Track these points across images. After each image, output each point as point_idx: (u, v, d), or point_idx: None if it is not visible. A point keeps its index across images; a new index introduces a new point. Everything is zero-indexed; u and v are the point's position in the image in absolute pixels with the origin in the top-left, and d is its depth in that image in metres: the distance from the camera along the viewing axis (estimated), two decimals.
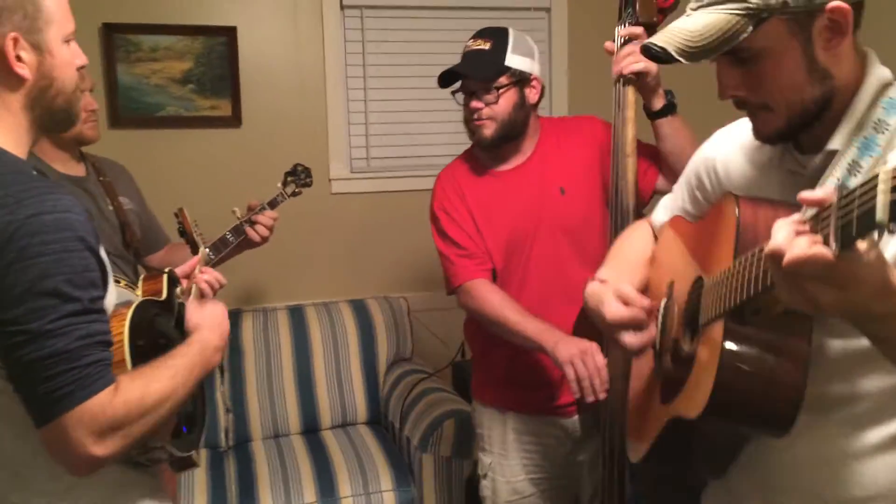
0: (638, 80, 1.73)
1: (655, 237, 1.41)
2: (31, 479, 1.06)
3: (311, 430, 2.86)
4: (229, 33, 2.92)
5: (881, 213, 0.65)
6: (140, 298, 1.24)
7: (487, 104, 1.85)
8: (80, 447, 0.98)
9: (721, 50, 0.94)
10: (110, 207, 2.05)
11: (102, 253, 1.11)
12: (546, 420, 1.97)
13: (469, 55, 1.88)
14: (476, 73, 1.85)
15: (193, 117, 2.94)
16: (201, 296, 1.67)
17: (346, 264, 3.16)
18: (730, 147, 1.18)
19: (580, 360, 1.60)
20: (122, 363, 1.09)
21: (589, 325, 1.72)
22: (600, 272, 1.34)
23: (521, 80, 1.87)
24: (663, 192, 1.90)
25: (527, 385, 1.94)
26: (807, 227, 0.77)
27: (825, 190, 0.74)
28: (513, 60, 1.84)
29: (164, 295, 1.38)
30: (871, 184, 0.67)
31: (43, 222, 0.98)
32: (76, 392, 0.98)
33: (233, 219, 2.21)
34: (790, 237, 0.77)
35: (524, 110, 1.89)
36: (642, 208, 1.83)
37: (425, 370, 2.88)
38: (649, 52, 0.98)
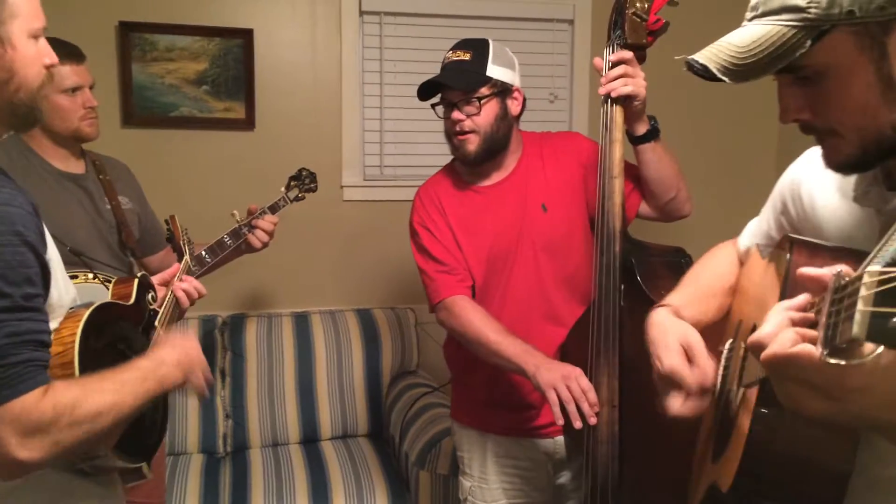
0: (626, 102, 1.68)
1: (741, 262, 1.27)
2: None
3: (310, 440, 2.81)
4: (246, 36, 2.90)
5: (857, 327, 0.54)
6: (100, 301, 1.20)
7: (469, 115, 1.80)
8: (4, 447, 0.95)
9: (773, 69, 0.80)
10: (108, 206, 2.03)
11: (52, 251, 1.07)
12: (526, 443, 1.91)
13: (449, 66, 1.84)
14: (457, 82, 1.80)
15: (207, 119, 2.92)
16: (177, 304, 1.63)
17: (354, 273, 3.11)
18: (818, 169, 0.98)
19: (563, 385, 1.53)
20: (71, 364, 1.05)
21: (578, 343, 1.64)
22: (672, 297, 1.22)
23: (503, 90, 1.82)
24: (646, 217, 1.85)
25: (507, 406, 1.88)
26: (811, 315, 0.66)
27: (829, 270, 0.63)
28: (494, 71, 1.80)
29: (133, 299, 1.34)
30: (855, 285, 0.56)
31: None
32: (0, 391, 0.94)
33: (233, 221, 2.18)
34: (780, 326, 0.67)
35: (506, 122, 1.83)
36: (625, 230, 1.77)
37: (430, 384, 2.82)
38: (691, 69, 0.85)
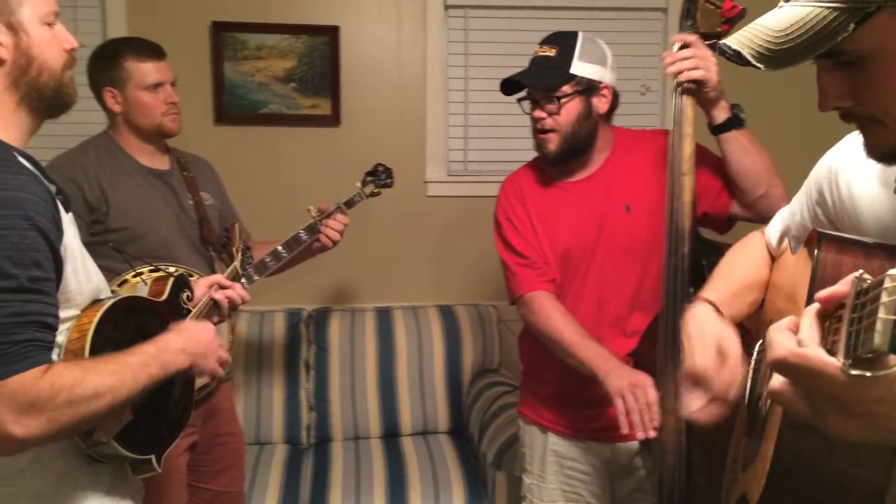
0: (697, 89, 1.58)
1: (772, 255, 1.22)
2: None
3: (391, 434, 2.82)
4: (332, 33, 2.93)
5: (878, 338, 0.50)
6: (123, 294, 1.24)
7: (550, 114, 1.74)
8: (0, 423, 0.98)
9: (812, 54, 0.74)
10: (190, 202, 2.08)
11: (71, 240, 1.10)
12: (585, 445, 1.86)
13: (534, 62, 1.79)
14: (536, 81, 1.75)
15: (294, 115, 2.97)
16: (216, 307, 1.66)
17: (436, 269, 3.10)
18: (858, 157, 0.92)
19: (630, 393, 1.47)
20: (82, 350, 1.09)
21: (649, 349, 1.57)
22: (709, 291, 1.18)
23: (588, 88, 1.75)
24: (740, 218, 1.73)
25: (571, 404, 1.83)
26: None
27: (844, 282, 0.58)
28: (579, 68, 1.73)
29: (165, 296, 1.37)
30: (876, 290, 0.51)
31: None
32: None
33: (309, 217, 2.20)
34: (809, 330, 0.62)
35: (590, 121, 1.76)
36: (722, 237, 1.67)
37: (511, 383, 2.77)
38: (723, 55, 0.81)
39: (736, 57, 0.78)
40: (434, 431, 2.84)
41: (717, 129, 1.63)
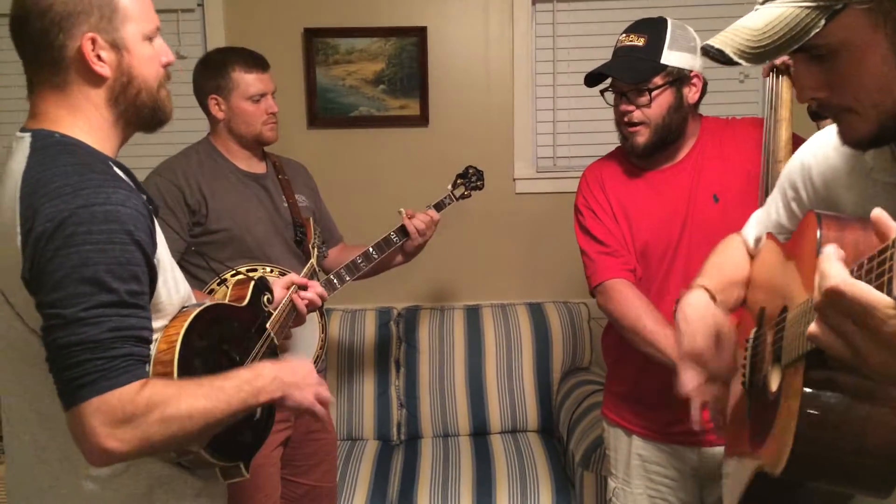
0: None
1: (750, 255, 1.28)
2: (79, 462, 1.08)
3: (480, 432, 2.82)
4: (420, 33, 2.96)
5: None
6: (207, 303, 1.25)
7: (639, 107, 1.67)
8: (94, 437, 0.99)
9: (788, 49, 0.82)
10: (285, 204, 2.15)
11: (163, 252, 1.12)
12: (672, 449, 1.78)
13: (620, 52, 1.71)
14: (625, 74, 1.68)
15: (384, 117, 3.02)
16: (294, 307, 1.68)
17: (525, 266, 3.08)
18: (829, 152, 1.03)
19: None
20: (171, 362, 1.10)
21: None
22: (701, 279, 1.24)
23: (679, 78, 1.67)
24: None
25: (653, 405, 1.76)
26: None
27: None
28: (670, 57, 1.65)
29: (247, 301, 1.39)
30: None
31: (92, 213, 1.01)
32: (99, 381, 0.99)
33: (400, 219, 2.23)
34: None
35: (681, 112, 1.69)
36: None
37: (601, 381, 2.71)
38: (707, 55, 0.87)
39: (719, 55, 0.84)
40: (523, 430, 2.83)
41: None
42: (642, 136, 1.70)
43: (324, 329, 2.15)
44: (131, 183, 1.15)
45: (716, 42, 0.85)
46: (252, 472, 1.32)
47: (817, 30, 0.79)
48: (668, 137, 1.71)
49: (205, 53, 2.17)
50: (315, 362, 2.10)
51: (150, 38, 1.17)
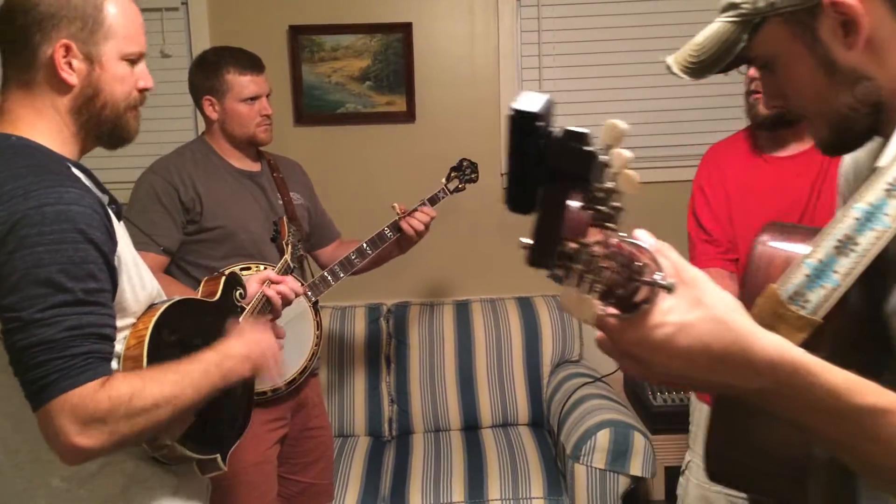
0: None
1: None
2: (52, 463, 1.09)
3: (471, 427, 2.83)
4: (405, 29, 2.96)
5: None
6: (176, 298, 1.25)
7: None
8: (64, 436, 1.00)
9: (721, 64, 0.85)
10: (280, 202, 2.15)
11: (125, 250, 1.12)
12: None
13: None
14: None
15: (370, 113, 3.02)
16: (269, 302, 1.68)
17: (514, 261, 3.05)
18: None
19: None
20: (140, 357, 1.11)
21: None
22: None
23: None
24: None
25: None
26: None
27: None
28: None
29: (218, 296, 1.39)
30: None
31: (44, 214, 1.02)
32: (59, 381, 1.00)
33: (393, 214, 2.23)
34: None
35: None
36: None
37: (592, 374, 2.74)
38: (669, 69, 0.91)
39: (668, 69, 0.89)
40: (514, 423, 2.84)
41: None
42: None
43: (318, 326, 2.15)
44: (90, 183, 1.15)
45: (668, 58, 0.90)
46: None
47: (742, 44, 0.82)
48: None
49: (201, 53, 2.14)
50: (310, 359, 2.11)
51: (130, 60, 1.18)
